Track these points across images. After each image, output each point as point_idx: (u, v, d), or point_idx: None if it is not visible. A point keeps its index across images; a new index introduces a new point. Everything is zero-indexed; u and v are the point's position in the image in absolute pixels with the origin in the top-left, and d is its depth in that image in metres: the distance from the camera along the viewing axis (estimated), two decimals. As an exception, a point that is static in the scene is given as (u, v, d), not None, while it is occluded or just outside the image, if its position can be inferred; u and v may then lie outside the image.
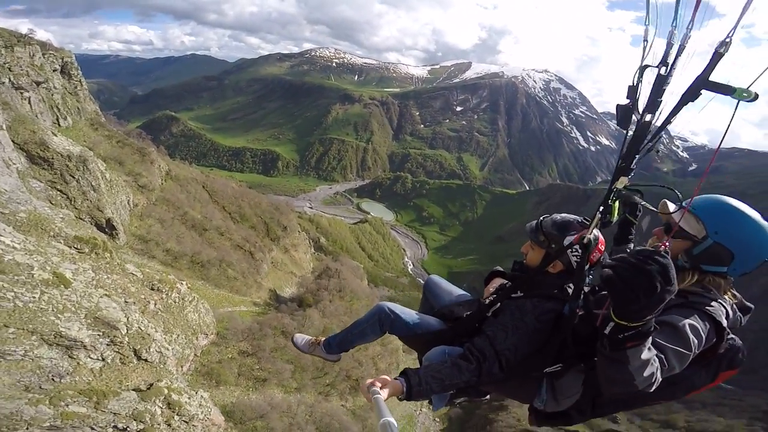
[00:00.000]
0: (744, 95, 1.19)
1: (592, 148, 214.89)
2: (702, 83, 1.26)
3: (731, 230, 1.59)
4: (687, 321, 1.50)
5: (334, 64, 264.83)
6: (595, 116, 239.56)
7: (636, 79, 1.43)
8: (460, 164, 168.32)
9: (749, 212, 1.61)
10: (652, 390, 1.39)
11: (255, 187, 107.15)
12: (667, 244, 1.24)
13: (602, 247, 1.92)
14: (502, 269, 2.33)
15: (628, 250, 2.20)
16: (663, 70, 1.33)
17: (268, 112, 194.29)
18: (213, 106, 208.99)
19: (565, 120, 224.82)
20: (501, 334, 1.86)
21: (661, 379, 1.39)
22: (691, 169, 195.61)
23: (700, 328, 1.50)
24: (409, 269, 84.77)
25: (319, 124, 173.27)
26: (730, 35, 1.17)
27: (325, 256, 51.97)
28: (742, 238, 1.58)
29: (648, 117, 1.38)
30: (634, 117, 1.46)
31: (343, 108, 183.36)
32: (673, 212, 1.68)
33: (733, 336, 1.69)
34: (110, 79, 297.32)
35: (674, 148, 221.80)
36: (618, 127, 1.53)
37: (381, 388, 1.59)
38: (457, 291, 2.54)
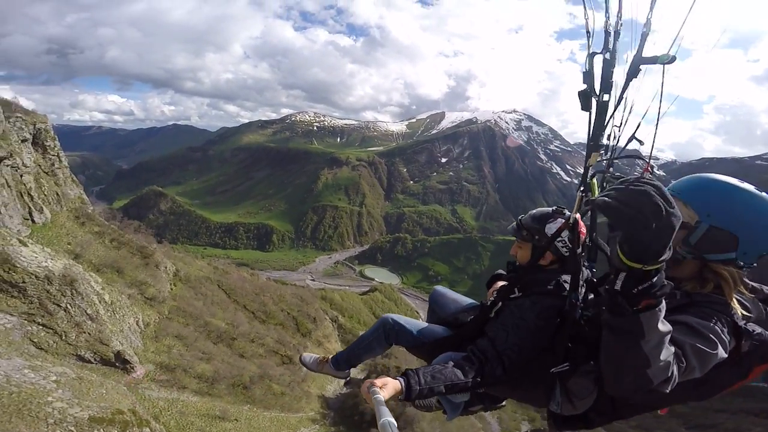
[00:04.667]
0: (664, 59, 1.47)
1: (575, 181, 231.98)
2: (638, 60, 1.54)
3: (725, 209, 1.52)
4: (700, 320, 1.44)
5: (315, 128, 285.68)
6: (569, 149, 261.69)
7: (588, 66, 1.68)
8: (455, 217, 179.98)
9: (742, 185, 1.56)
10: (668, 389, 1.31)
11: (252, 264, 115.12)
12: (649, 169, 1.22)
13: (584, 230, 2.06)
14: (503, 272, 2.52)
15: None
16: (607, 55, 1.62)
17: (256, 182, 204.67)
18: (200, 179, 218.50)
19: (543, 157, 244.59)
20: (502, 334, 1.98)
21: (678, 378, 1.32)
22: (668, 187, 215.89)
23: (717, 328, 1.43)
24: None
25: (309, 191, 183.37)
26: (649, 17, 1.44)
27: (347, 335, 57.39)
28: (739, 216, 1.50)
29: (605, 97, 1.64)
30: (593, 99, 1.70)
31: (332, 172, 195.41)
32: None
33: (761, 330, 1.60)
34: (94, 151, 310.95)
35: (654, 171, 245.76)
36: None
37: (381, 389, 1.66)
38: (464, 299, 2.69)
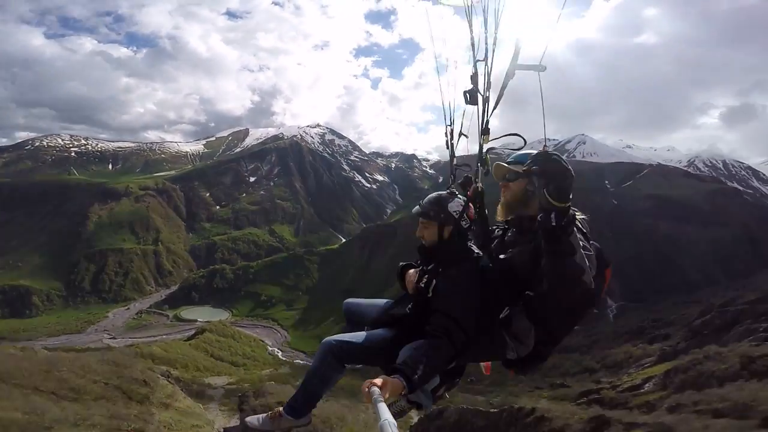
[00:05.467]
0: (539, 68, 2.03)
1: (374, 187, 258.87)
2: (514, 66, 2.03)
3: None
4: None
5: (73, 154, 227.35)
6: (366, 158, 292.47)
7: (473, 69, 2.18)
8: (275, 236, 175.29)
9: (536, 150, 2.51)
10: (593, 286, 2.00)
11: (10, 336, 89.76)
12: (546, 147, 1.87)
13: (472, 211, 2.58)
14: (406, 262, 2.84)
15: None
16: (488, 62, 2.10)
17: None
18: None
19: (346, 167, 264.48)
20: (449, 304, 2.24)
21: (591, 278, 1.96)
22: (440, 180, 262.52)
23: (579, 235, 2.07)
24: (281, 356, 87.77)
25: (76, 235, 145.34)
26: (518, 38, 1.94)
27: (193, 387, 52.36)
28: None
29: (487, 94, 2.15)
30: (479, 95, 2.20)
31: (106, 207, 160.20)
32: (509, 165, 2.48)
33: (593, 241, 2.28)
34: None
35: (424, 169, 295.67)
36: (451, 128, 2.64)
37: (381, 389, 1.75)
38: (379, 301, 2.93)
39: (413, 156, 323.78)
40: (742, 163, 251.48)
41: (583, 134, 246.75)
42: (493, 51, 2.11)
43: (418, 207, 2.58)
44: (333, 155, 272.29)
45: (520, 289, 2.28)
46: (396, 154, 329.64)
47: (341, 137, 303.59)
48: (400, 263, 2.84)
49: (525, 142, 2.55)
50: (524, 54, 2.11)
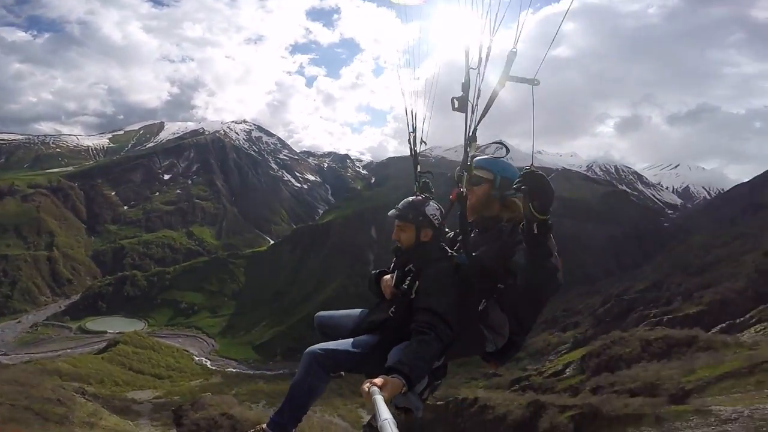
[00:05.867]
0: (532, 82, 2.10)
1: (305, 186, 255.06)
2: (506, 77, 2.06)
3: (503, 168, 2.64)
4: None
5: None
6: (297, 157, 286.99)
7: (466, 78, 2.21)
8: (193, 239, 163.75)
9: (500, 159, 2.76)
10: (563, 280, 2.22)
11: None
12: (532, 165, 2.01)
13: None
14: (380, 269, 2.92)
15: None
16: (480, 70, 2.15)
17: None
18: None
19: (274, 166, 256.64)
20: (431, 301, 2.33)
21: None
22: (372, 181, 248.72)
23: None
24: (210, 366, 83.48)
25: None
26: (515, 46, 2.01)
27: (115, 403, 48.89)
28: (508, 171, 2.62)
29: (476, 102, 2.20)
30: (469, 102, 2.24)
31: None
32: (476, 171, 2.63)
33: None
34: None
35: (357, 169, 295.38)
36: (413, 134, 2.96)
37: (381, 388, 1.76)
38: (354, 311, 2.92)
39: (346, 156, 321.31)
40: (630, 168, 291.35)
41: (501, 140, 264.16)
42: (486, 60, 2.25)
43: (395, 210, 2.72)
44: (260, 153, 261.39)
45: (492, 283, 2.48)
46: (329, 154, 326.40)
47: (270, 135, 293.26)
48: (373, 271, 2.91)
49: (508, 151, 2.84)
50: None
